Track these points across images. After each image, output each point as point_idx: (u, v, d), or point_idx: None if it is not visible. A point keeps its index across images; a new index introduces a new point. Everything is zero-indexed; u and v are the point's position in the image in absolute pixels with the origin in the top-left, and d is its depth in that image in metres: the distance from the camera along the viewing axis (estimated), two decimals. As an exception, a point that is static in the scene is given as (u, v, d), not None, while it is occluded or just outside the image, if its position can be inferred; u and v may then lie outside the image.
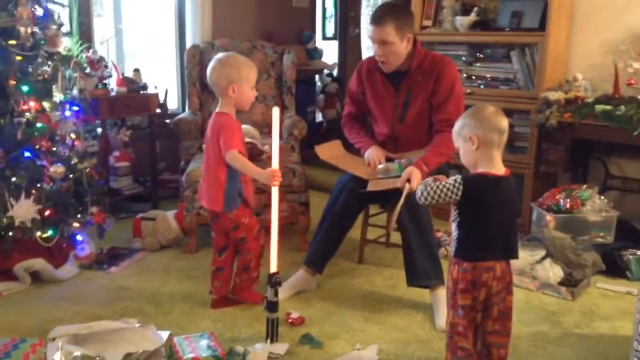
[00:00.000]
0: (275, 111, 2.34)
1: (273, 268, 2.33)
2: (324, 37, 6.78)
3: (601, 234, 3.12)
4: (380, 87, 2.87)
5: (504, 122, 1.95)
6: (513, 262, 2.82)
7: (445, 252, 3.27)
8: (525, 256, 2.91)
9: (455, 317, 2.01)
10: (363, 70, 2.93)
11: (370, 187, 2.67)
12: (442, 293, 2.58)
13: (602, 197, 3.20)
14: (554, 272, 2.86)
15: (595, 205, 3.12)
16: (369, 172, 2.76)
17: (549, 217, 3.12)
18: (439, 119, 2.76)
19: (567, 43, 3.71)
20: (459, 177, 1.95)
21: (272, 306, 2.29)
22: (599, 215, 3.11)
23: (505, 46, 3.70)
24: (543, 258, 2.93)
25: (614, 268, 3.04)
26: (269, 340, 2.29)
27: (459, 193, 1.92)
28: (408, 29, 2.70)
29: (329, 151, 2.91)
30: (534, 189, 3.54)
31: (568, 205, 3.11)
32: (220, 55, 2.53)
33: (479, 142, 1.94)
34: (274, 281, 2.30)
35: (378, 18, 2.66)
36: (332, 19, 6.80)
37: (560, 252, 2.94)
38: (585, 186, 3.25)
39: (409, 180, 2.51)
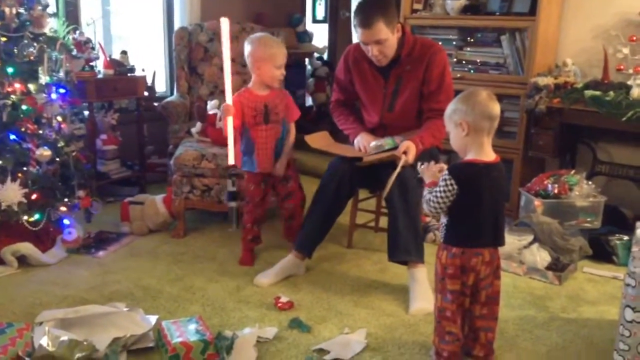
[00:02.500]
0: (224, 22, 2.67)
1: (231, 161, 2.74)
2: (314, 20, 6.72)
3: (588, 219, 3.14)
4: (369, 77, 2.85)
5: (496, 108, 1.95)
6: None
7: (433, 237, 3.28)
8: (513, 241, 2.93)
9: (443, 302, 2.03)
10: (350, 58, 2.90)
11: (366, 159, 2.69)
12: (419, 272, 2.60)
13: (590, 183, 3.22)
14: (541, 256, 2.88)
15: (582, 191, 3.13)
16: (361, 155, 2.76)
17: (537, 202, 3.13)
18: (430, 107, 2.75)
19: (557, 28, 3.71)
20: (445, 175, 1.96)
21: (231, 195, 2.84)
22: (586, 201, 3.13)
23: (496, 30, 3.69)
24: (531, 243, 2.95)
25: (601, 253, 3.07)
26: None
27: (455, 187, 1.93)
28: (396, 20, 2.68)
29: (319, 141, 2.90)
30: (523, 174, 3.56)
31: (556, 191, 3.12)
32: (253, 35, 2.85)
33: (469, 128, 1.94)
34: (231, 173, 2.82)
35: (367, 20, 2.60)
36: (323, 2, 6.74)
37: (548, 237, 2.96)
38: (573, 171, 3.26)
39: (404, 153, 2.55)
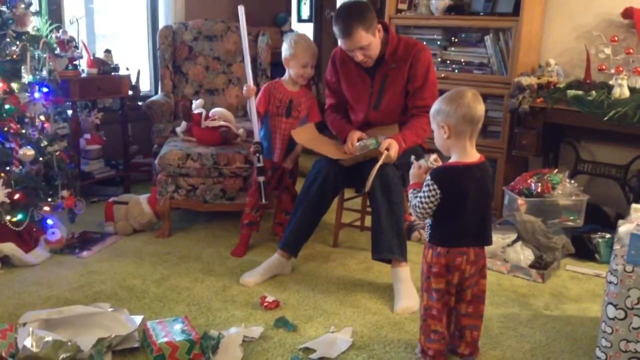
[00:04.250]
0: (241, 9, 2.92)
1: (257, 138, 2.96)
2: (299, 20, 6.72)
3: (571, 218, 3.17)
4: (355, 76, 2.88)
5: (480, 111, 1.95)
6: (485, 245, 2.88)
7: (419, 236, 3.30)
8: (497, 239, 2.95)
9: (429, 301, 2.04)
10: (337, 59, 2.94)
11: (347, 162, 2.70)
12: (402, 271, 2.61)
13: (573, 181, 3.25)
14: (524, 255, 2.91)
15: (565, 189, 3.16)
16: (345, 154, 2.77)
17: (520, 200, 3.16)
18: (415, 104, 2.79)
19: (540, 28, 3.74)
20: (428, 180, 1.97)
21: (260, 171, 2.93)
22: (569, 199, 3.16)
23: (480, 31, 3.71)
24: (514, 241, 2.98)
25: (583, 251, 3.11)
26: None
27: (438, 191, 1.95)
28: (375, 22, 2.69)
29: (304, 134, 2.92)
30: (506, 173, 3.59)
31: (539, 189, 3.15)
32: (291, 33, 3.07)
33: (450, 131, 1.95)
34: (257, 150, 2.93)
35: (346, 30, 2.63)
36: (308, 1, 6.74)
37: (531, 236, 2.99)
38: (556, 170, 3.29)
39: (387, 149, 2.60)
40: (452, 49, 3.84)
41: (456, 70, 3.79)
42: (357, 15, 2.63)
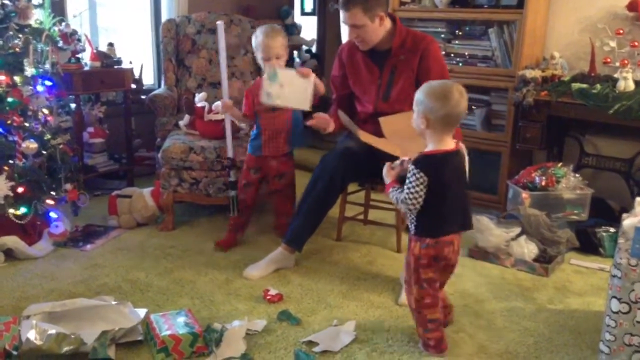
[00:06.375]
0: (220, 26, 2.83)
1: (229, 154, 2.96)
2: (303, 13, 6.69)
3: (575, 212, 3.16)
4: (363, 67, 2.87)
5: (463, 109, 2.02)
6: (489, 239, 2.91)
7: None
8: (501, 233, 2.95)
9: (420, 291, 2.09)
10: (344, 54, 2.93)
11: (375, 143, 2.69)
12: None
13: (577, 175, 3.24)
14: (528, 248, 2.90)
15: (570, 183, 3.15)
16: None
17: (524, 194, 3.15)
18: None
19: (545, 21, 3.72)
20: (412, 169, 2.00)
21: (231, 185, 2.94)
22: (573, 193, 3.15)
23: (484, 23, 3.69)
24: (518, 235, 2.97)
25: (588, 245, 3.10)
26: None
27: (425, 177, 1.98)
28: (379, 9, 2.68)
29: (392, 125, 2.78)
30: (511, 167, 3.57)
31: (543, 183, 3.14)
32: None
33: (428, 124, 2.01)
34: (230, 164, 2.94)
35: (345, 3, 2.66)
36: (311, -6, 6.71)
37: (535, 229, 2.98)
38: (560, 164, 3.28)
39: None
40: (456, 41, 3.82)
41: (460, 64, 3.77)
42: None
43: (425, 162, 2.01)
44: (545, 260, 2.88)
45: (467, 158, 2.13)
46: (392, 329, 2.30)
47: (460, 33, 3.82)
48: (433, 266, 2.06)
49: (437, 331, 2.10)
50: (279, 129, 2.94)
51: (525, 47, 3.51)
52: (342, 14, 2.71)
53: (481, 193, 3.72)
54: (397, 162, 2.17)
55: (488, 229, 2.96)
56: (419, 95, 2.05)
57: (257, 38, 2.82)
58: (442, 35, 3.82)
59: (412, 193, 2.00)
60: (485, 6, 3.65)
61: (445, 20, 3.83)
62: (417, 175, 1.98)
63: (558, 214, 3.12)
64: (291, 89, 2.69)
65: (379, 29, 2.72)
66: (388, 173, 2.16)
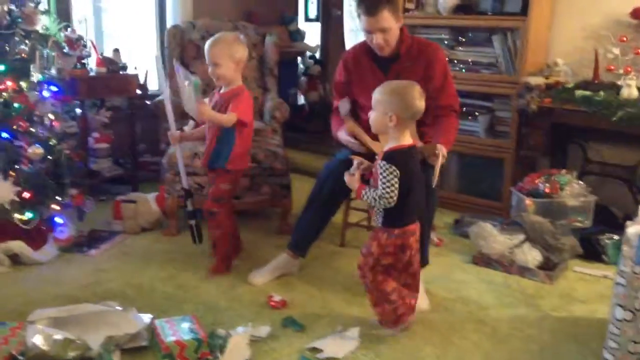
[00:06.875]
0: (158, 58, 2.88)
1: (184, 185, 2.85)
2: (307, 19, 6.72)
3: (579, 219, 3.16)
4: (369, 73, 2.81)
5: (423, 105, 2.16)
6: (493, 246, 2.92)
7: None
8: (505, 240, 2.95)
9: (377, 275, 2.23)
10: (349, 59, 2.86)
11: None
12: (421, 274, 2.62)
13: (581, 182, 3.24)
14: (532, 255, 2.90)
15: (573, 190, 3.15)
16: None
17: (528, 201, 3.15)
18: (439, 105, 2.70)
19: (548, 27, 3.73)
20: (384, 165, 2.10)
21: (190, 214, 2.84)
22: (577, 200, 3.15)
23: (488, 30, 3.70)
24: (522, 242, 2.97)
25: (592, 252, 3.09)
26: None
27: (397, 171, 2.09)
28: (399, 11, 2.69)
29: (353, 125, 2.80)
30: (514, 174, 3.58)
31: (547, 190, 3.14)
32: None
33: (398, 121, 2.12)
34: (185, 194, 2.85)
35: (373, 8, 2.58)
36: (315, 0, 6.74)
37: (539, 236, 2.98)
38: (564, 171, 3.28)
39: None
40: (460, 48, 3.83)
41: (463, 70, 3.78)
42: None
43: (395, 156, 2.12)
44: (548, 268, 2.88)
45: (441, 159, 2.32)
46: (396, 336, 2.30)
47: (463, 40, 3.83)
48: (397, 254, 2.20)
49: (401, 299, 2.25)
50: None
51: (529, 53, 3.52)
52: (366, 20, 2.61)
53: (484, 199, 3.74)
54: (353, 167, 2.27)
55: (491, 236, 2.97)
56: (384, 95, 2.16)
57: (209, 47, 2.67)
58: (446, 42, 3.83)
59: (388, 187, 2.10)
60: (489, 13, 3.66)
61: (448, 27, 3.84)
62: (390, 170, 2.09)
63: (562, 221, 3.12)
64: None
65: (398, 30, 2.68)
66: (351, 180, 2.25)
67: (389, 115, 2.11)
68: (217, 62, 2.66)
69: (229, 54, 2.65)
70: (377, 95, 2.18)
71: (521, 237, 2.99)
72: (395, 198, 2.11)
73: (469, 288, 2.75)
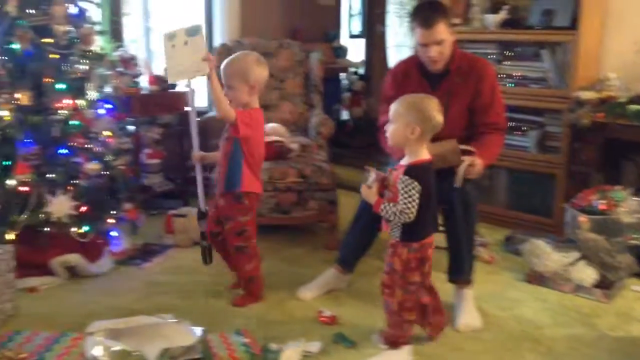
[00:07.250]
0: (191, 93, 2.73)
1: (201, 207, 2.76)
2: (350, 35, 6.77)
3: (635, 236, 3.07)
4: (417, 88, 2.76)
5: (442, 119, 2.16)
6: (546, 264, 2.87)
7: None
8: (559, 258, 2.89)
9: (405, 295, 2.20)
10: (399, 74, 2.84)
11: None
12: (470, 292, 2.61)
13: (637, 199, 3.15)
14: (587, 274, 2.83)
15: (629, 207, 3.06)
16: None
17: (582, 218, 3.07)
18: (485, 122, 2.69)
19: (599, 41, 3.66)
20: (406, 180, 2.09)
21: (203, 235, 2.74)
22: (633, 217, 3.05)
23: (536, 45, 3.66)
24: (577, 260, 2.90)
25: (649, 270, 3.00)
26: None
27: (419, 186, 2.08)
28: (452, 22, 2.69)
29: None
30: (567, 190, 3.50)
31: (602, 207, 3.06)
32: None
33: (419, 134, 2.11)
34: (201, 215, 2.75)
35: (429, 20, 2.56)
36: (358, 17, 6.79)
37: (594, 254, 2.90)
38: (619, 187, 3.19)
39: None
40: (507, 62, 3.79)
41: (511, 85, 3.74)
42: (441, 8, 2.63)
43: (416, 170, 2.12)
44: (605, 286, 2.81)
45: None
46: (448, 355, 2.27)
47: (511, 54, 3.79)
48: (419, 269, 2.18)
49: (410, 330, 2.26)
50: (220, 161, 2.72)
51: (580, 68, 3.46)
52: (421, 33, 2.59)
53: (534, 215, 3.67)
54: (370, 179, 2.23)
55: (545, 254, 2.91)
56: (400, 106, 2.15)
57: (224, 67, 2.62)
58: (493, 57, 3.80)
59: (409, 202, 2.08)
60: (537, 27, 3.62)
61: (496, 42, 3.81)
62: (413, 185, 2.08)
63: (617, 238, 3.03)
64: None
65: (452, 43, 2.66)
66: (369, 193, 2.22)
67: (411, 127, 2.10)
68: (230, 84, 2.56)
69: (242, 77, 2.53)
70: (397, 107, 2.16)
71: (576, 254, 2.92)
72: (415, 213, 2.09)
73: (522, 306, 2.70)
